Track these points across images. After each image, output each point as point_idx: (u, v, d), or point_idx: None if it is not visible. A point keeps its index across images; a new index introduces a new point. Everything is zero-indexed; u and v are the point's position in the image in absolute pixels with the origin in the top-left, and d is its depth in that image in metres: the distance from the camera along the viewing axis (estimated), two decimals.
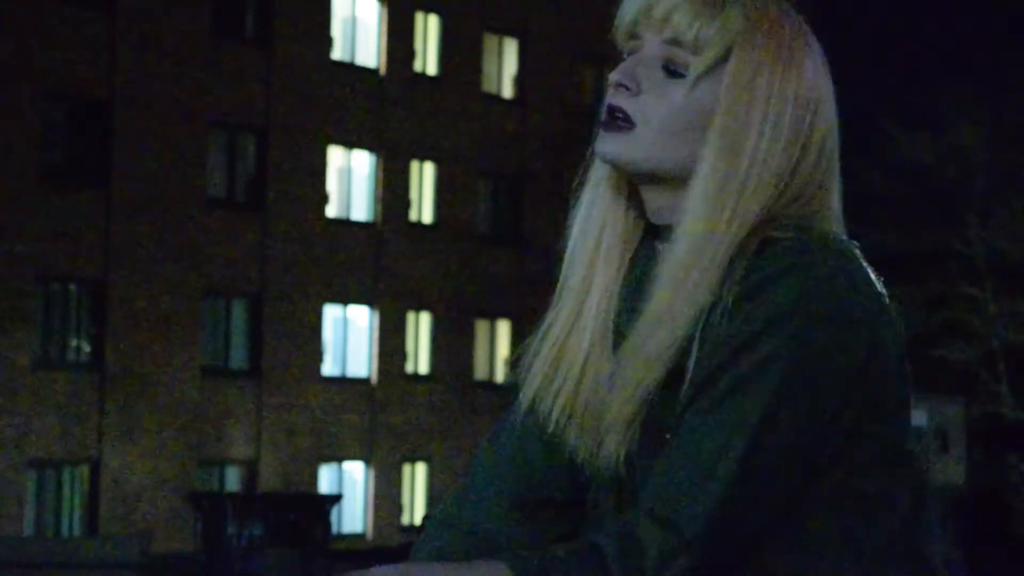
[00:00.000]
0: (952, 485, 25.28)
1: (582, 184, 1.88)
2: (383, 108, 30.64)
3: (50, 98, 25.72)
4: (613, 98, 1.77)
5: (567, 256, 1.86)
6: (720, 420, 1.65)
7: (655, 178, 1.78)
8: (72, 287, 26.20)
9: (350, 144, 30.20)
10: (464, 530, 1.85)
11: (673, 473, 1.66)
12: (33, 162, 25.38)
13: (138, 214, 26.52)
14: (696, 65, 1.74)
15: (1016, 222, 39.07)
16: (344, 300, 30.05)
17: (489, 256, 32.41)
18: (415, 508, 30.75)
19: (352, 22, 30.56)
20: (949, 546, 23.08)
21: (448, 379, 31.48)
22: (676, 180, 1.77)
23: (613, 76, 1.77)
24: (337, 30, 30.24)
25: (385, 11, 30.92)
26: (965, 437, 26.51)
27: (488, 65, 32.88)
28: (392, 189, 30.82)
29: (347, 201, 30.31)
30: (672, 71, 1.75)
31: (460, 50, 32.15)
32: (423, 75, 31.56)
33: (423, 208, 31.51)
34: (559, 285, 1.87)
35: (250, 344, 28.50)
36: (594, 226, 1.85)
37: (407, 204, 31.14)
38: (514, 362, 1.90)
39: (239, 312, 28.53)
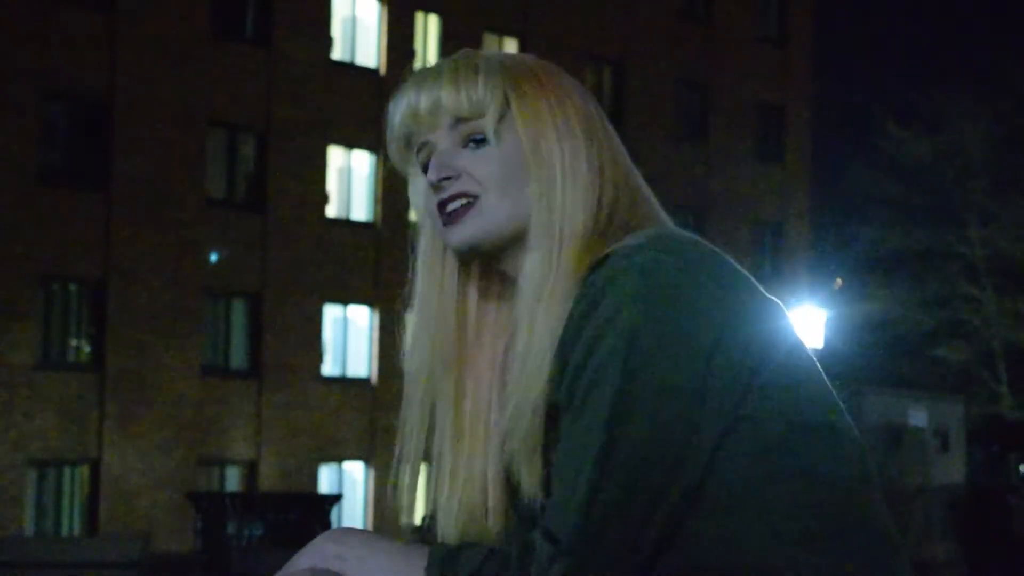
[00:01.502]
0: (952, 485, 25.26)
1: (405, 311, 1.90)
2: (383, 108, 30.49)
3: (50, 98, 25.72)
4: (443, 193, 1.81)
5: (426, 378, 1.87)
6: (576, 431, 1.68)
7: (514, 240, 1.81)
8: (72, 287, 26.20)
9: (350, 144, 30.20)
10: None
11: (553, 488, 1.70)
12: (33, 162, 25.38)
13: (138, 214, 26.52)
14: (487, 122, 1.80)
15: (1016, 222, 39.08)
16: (344, 300, 30.05)
17: None
18: (415, 508, 30.71)
19: (352, 22, 30.57)
20: (949, 546, 23.08)
21: None
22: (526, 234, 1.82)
23: (430, 178, 1.82)
24: (337, 30, 30.25)
25: (385, 11, 30.92)
26: (965, 437, 26.50)
27: None
28: (392, 189, 30.81)
29: (347, 201, 30.32)
30: (474, 141, 1.81)
31: (460, 50, 32.09)
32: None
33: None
34: (412, 415, 1.88)
35: (250, 344, 28.51)
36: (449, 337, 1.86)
37: (407, 204, 31.04)
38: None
39: (239, 312, 28.53)
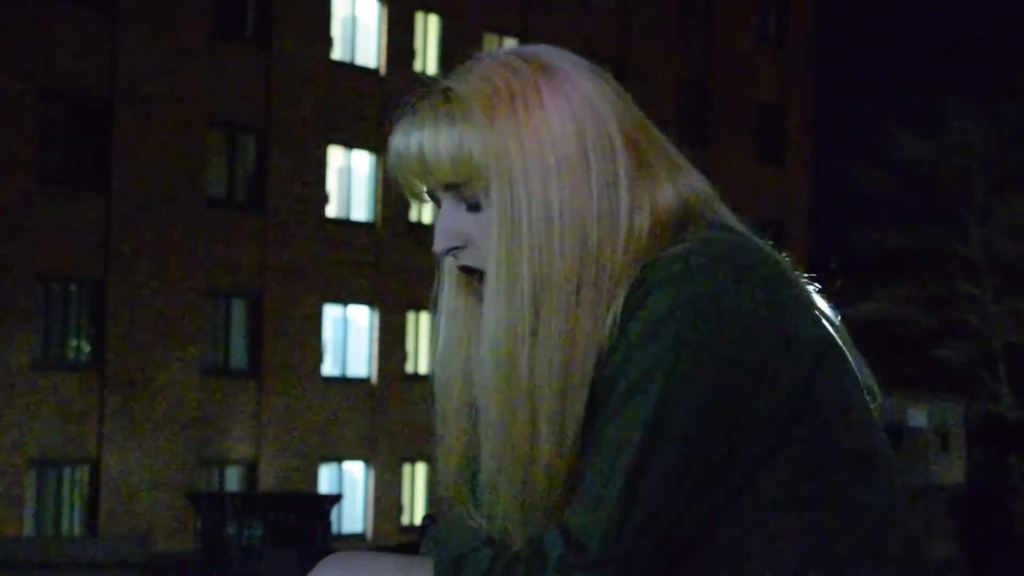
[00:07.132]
0: (952, 485, 25.26)
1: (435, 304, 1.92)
2: (383, 108, 30.63)
3: (50, 98, 25.72)
4: (455, 261, 1.82)
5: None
6: (609, 439, 1.64)
7: None
8: (72, 287, 26.19)
9: (350, 144, 30.21)
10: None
11: (580, 489, 1.66)
12: (33, 162, 25.38)
13: (138, 214, 26.52)
14: (474, 189, 1.76)
15: (1016, 222, 39.07)
16: (344, 300, 30.05)
17: None
18: (415, 508, 30.74)
19: (352, 22, 30.57)
20: (949, 546, 23.07)
21: None
22: None
23: (436, 249, 1.81)
24: (337, 30, 30.25)
25: (385, 11, 30.92)
26: (965, 437, 26.49)
27: None
28: (392, 189, 30.79)
29: (347, 201, 30.32)
30: (471, 207, 1.78)
31: (460, 50, 32.06)
32: (423, 75, 31.56)
33: (423, 208, 31.45)
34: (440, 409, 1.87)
35: (250, 344, 28.50)
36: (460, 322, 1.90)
37: (407, 204, 31.13)
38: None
39: (239, 312, 28.53)
